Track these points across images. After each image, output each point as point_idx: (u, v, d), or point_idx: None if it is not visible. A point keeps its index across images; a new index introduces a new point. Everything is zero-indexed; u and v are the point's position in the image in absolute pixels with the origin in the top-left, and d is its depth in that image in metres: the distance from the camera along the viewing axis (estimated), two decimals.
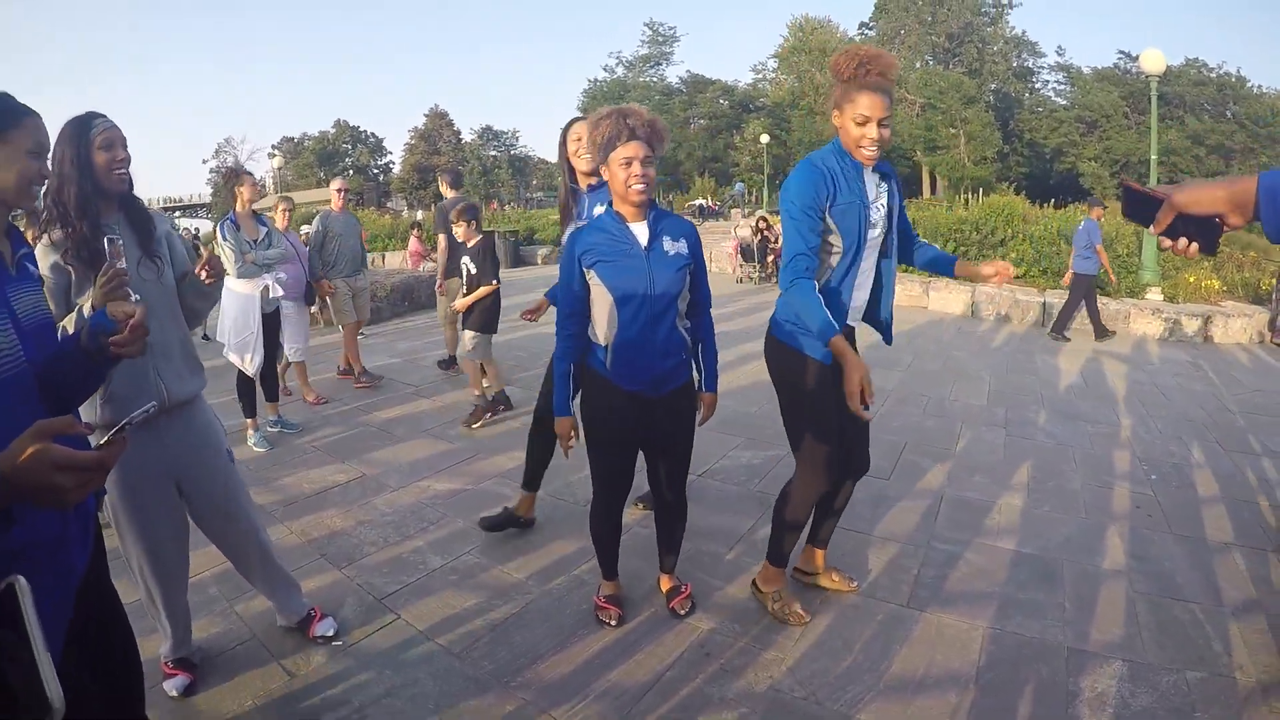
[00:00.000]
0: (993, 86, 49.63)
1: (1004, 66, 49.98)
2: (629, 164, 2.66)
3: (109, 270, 2.07)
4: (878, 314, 3.02)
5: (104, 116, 2.49)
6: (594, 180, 3.47)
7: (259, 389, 5.86)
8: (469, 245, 6.05)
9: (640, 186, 2.67)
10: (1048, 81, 51.67)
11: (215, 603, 3.36)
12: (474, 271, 5.94)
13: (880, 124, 2.64)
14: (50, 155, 2.36)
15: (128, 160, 2.53)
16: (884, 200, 2.85)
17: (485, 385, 6.15)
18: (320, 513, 4.32)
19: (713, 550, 3.68)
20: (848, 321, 2.88)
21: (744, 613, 3.15)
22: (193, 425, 2.72)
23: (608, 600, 3.18)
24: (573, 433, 2.90)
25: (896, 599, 3.21)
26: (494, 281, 5.95)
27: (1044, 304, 10.71)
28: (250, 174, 5.91)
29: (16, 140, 1.64)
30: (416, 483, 4.50)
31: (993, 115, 46.71)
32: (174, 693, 2.78)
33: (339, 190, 7.60)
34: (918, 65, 50.01)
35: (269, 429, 5.90)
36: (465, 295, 5.96)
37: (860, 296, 2.92)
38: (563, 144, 3.59)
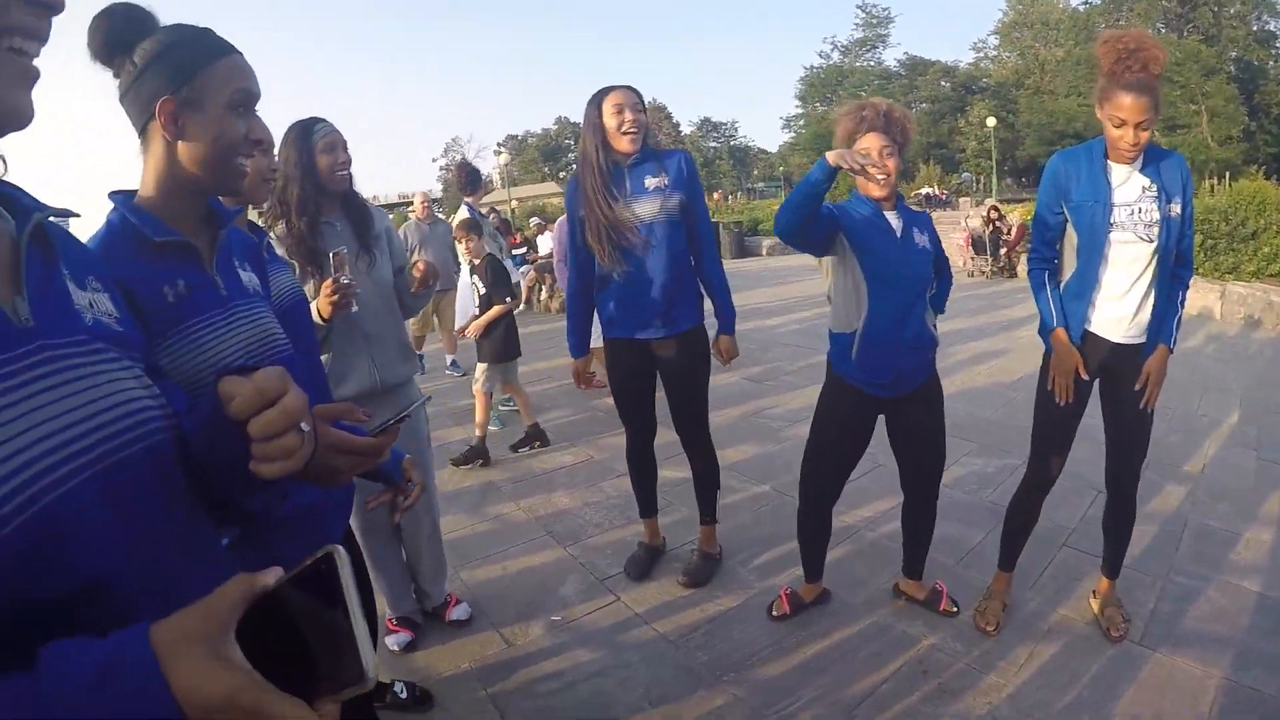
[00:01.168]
0: (1232, 55, 44.24)
1: (1243, 31, 44.37)
2: (868, 155, 2.59)
3: (334, 282, 2.27)
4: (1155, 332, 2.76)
5: (325, 121, 2.72)
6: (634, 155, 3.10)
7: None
8: (476, 263, 5.48)
9: (882, 178, 2.64)
10: None
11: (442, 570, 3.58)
12: (483, 291, 5.37)
13: (1139, 127, 2.47)
14: (279, 157, 2.60)
15: (349, 162, 2.75)
16: (1149, 205, 2.59)
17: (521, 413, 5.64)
18: (548, 492, 4.55)
19: (938, 560, 3.49)
20: (1095, 331, 2.75)
21: (967, 631, 2.99)
22: (401, 406, 2.90)
23: (790, 595, 3.17)
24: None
25: (1131, 634, 2.93)
26: (507, 300, 5.34)
27: None
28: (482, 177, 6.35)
29: (205, 91, 1.27)
30: None
31: (1236, 88, 41.73)
32: (394, 648, 3.03)
33: (424, 202, 7.48)
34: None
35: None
36: (477, 317, 5.38)
37: (1114, 307, 2.70)
38: (596, 116, 3.04)
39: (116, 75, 1.29)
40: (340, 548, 0.64)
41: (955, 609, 3.09)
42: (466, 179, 6.70)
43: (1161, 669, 2.77)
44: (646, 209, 3.04)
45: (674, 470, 4.26)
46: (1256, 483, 4.43)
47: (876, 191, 2.70)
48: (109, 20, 1.25)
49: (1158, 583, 3.32)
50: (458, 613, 3.23)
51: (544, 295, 12.73)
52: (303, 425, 0.85)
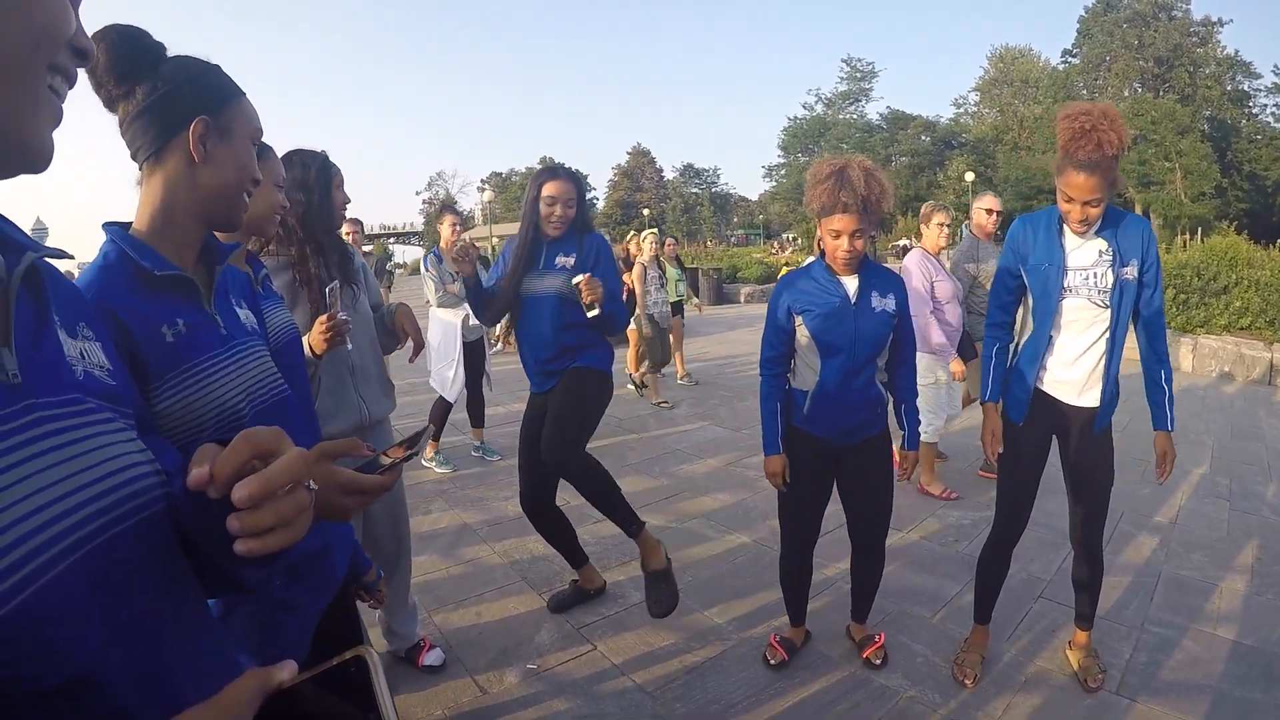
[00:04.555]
0: (1206, 114, 45.57)
1: (1217, 91, 45.92)
2: (838, 236, 2.68)
3: (331, 318, 2.25)
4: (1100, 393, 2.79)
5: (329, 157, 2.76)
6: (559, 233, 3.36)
7: (467, 414, 6.21)
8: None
9: (846, 259, 2.71)
10: (1265, 105, 47.00)
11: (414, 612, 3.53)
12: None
13: (1087, 205, 2.53)
14: (295, 183, 2.60)
15: (349, 203, 2.85)
16: (1104, 270, 2.64)
17: None
18: (523, 536, 4.47)
19: (916, 613, 3.51)
20: (1047, 391, 2.82)
21: (945, 683, 2.98)
22: (382, 442, 2.88)
23: (782, 642, 3.17)
24: (785, 470, 2.91)
25: (1107, 684, 2.95)
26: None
27: (1271, 360, 9.44)
28: (454, 213, 6.28)
29: (234, 122, 1.33)
30: None
31: (1209, 146, 42.83)
32: None
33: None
34: (1126, 93, 46.82)
35: (473, 454, 6.27)
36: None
37: (1066, 371, 2.76)
38: (534, 199, 3.28)
39: (120, 99, 1.26)
40: (371, 649, 0.63)
41: (878, 662, 3.10)
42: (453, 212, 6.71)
43: (1139, 718, 2.77)
44: (550, 283, 3.26)
45: (649, 518, 4.22)
46: (1229, 532, 4.49)
47: (839, 269, 2.78)
48: (127, 42, 1.23)
49: (1133, 633, 3.34)
50: (431, 658, 3.18)
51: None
52: (310, 484, 0.77)
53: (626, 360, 8.87)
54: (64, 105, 0.70)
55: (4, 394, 0.66)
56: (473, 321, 6.05)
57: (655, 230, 8.93)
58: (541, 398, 3.43)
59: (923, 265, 4.95)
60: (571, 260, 3.26)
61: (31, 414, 0.67)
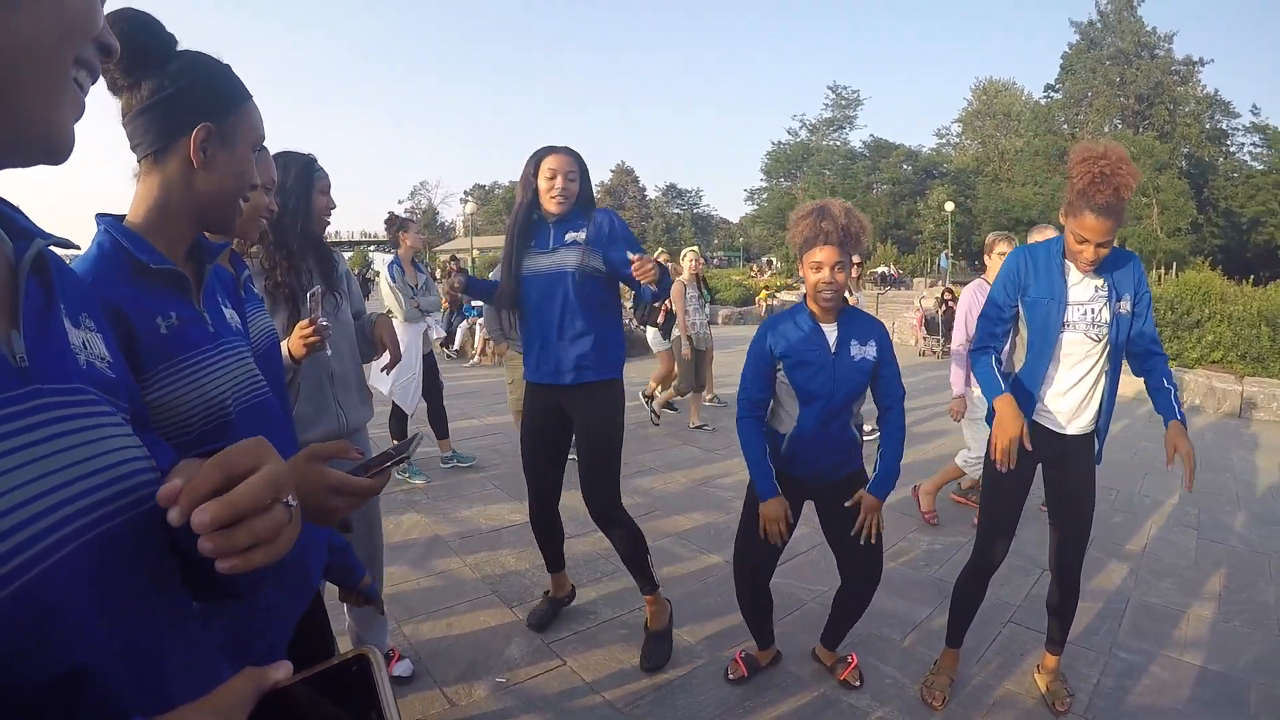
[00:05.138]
0: (1185, 151, 46.43)
1: (1196, 129, 46.77)
2: (819, 268, 2.70)
3: (311, 324, 2.21)
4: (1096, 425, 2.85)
5: (318, 162, 2.71)
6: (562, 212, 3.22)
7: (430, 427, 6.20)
8: None
9: (828, 294, 2.71)
10: (1243, 144, 47.94)
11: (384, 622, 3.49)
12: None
13: (1099, 245, 2.57)
14: (275, 185, 2.59)
15: (333, 208, 2.77)
16: (1100, 306, 2.71)
17: None
18: (495, 550, 4.47)
19: (886, 635, 3.52)
20: (1038, 420, 2.83)
21: (914, 705, 2.99)
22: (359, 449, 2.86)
23: (745, 659, 3.18)
24: (787, 514, 2.85)
25: (1075, 709, 2.97)
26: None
27: (1242, 393, 9.57)
28: (414, 221, 6.23)
29: (238, 129, 1.32)
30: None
31: (1186, 183, 43.64)
32: None
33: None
34: (1107, 129, 47.49)
35: (442, 465, 6.23)
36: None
37: (1059, 401, 2.80)
38: (532, 175, 3.17)
39: (125, 90, 1.25)
40: (375, 650, 0.62)
41: (857, 684, 3.10)
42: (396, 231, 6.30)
43: None
44: (563, 259, 3.16)
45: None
46: (1198, 560, 4.55)
47: (821, 306, 2.78)
48: (140, 31, 1.21)
49: (1101, 658, 3.36)
50: (400, 669, 3.15)
51: (494, 347, 12.59)
52: (289, 500, 0.74)
53: (651, 380, 8.25)
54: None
55: (12, 377, 0.66)
56: (435, 335, 6.06)
57: (695, 248, 8.43)
58: (548, 391, 3.28)
59: (982, 297, 4.72)
60: (582, 235, 3.15)
61: (38, 399, 0.67)
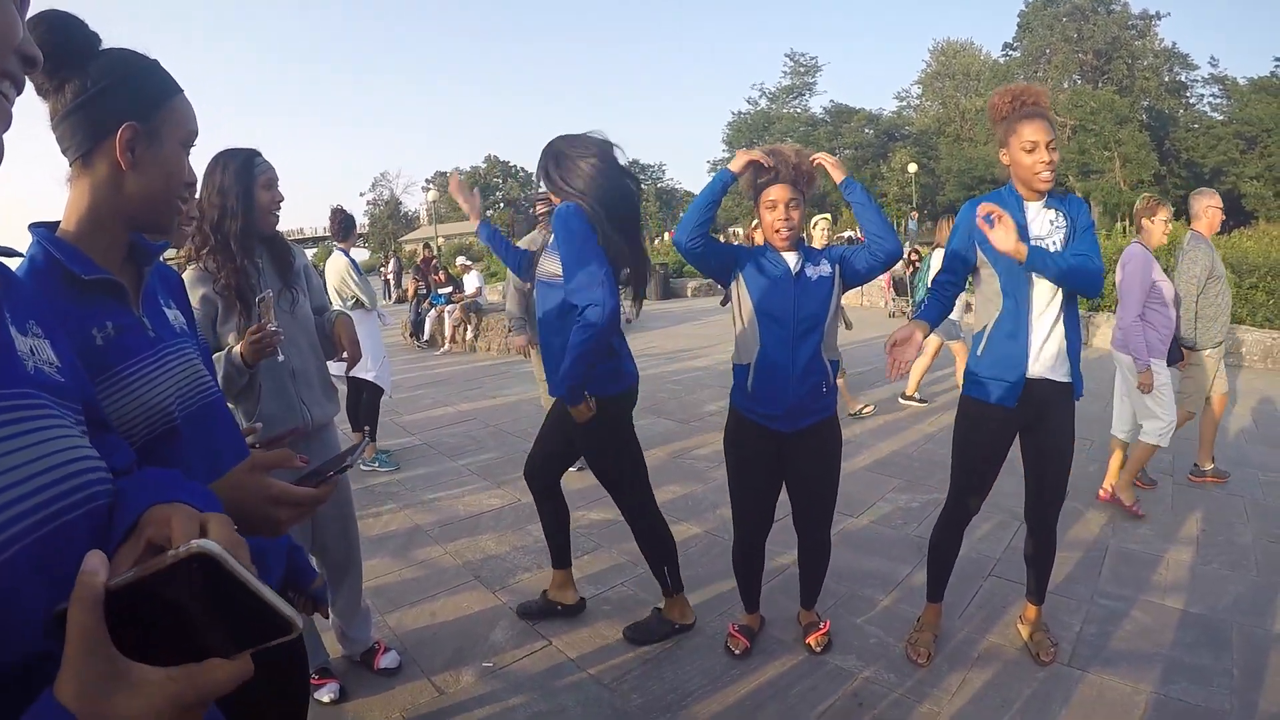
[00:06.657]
0: (1145, 104, 46.47)
1: (1155, 82, 46.85)
2: (774, 206, 2.77)
3: (260, 329, 2.18)
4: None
5: (261, 154, 2.62)
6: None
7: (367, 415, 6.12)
8: None
9: (785, 231, 2.77)
10: (1202, 95, 48.03)
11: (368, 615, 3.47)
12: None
13: (1049, 146, 2.67)
14: (214, 186, 2.49)
15: (282, 201, 2.67)
16: (1058, 238, 2.74)
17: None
18: (475, 536, 4.45)
19: (868, 595, 3.55)
20: (1033, 373, 2.81)
21: (900, 662, 3.02)
22: (327, 446, 2.85)
23: (741, 630, 3.18)
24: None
25: (1059, 657, 3.01)
26: None
27: None
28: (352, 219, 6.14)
29: (165, 126, 1.27)
30: (572, 512, 4.54)
31: (1147, 135, 43.92)
32: (326, 699, 2.90)
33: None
34: (1066, 85, 47.53)
35: (363, 468, 5.93)
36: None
37: (1047, 346, 2.80)
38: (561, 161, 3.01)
39: (50, 93, 1.22)
40: (207, 542, 0.60)
41: (819, 649, 3.11)
42: (340, 226, 6.04)
43: (1091, 688, 2.84)
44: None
45: (599, 512, 4.22)
46: (1174, 505, 4.60)
47: (779, 243, 2.82)
48: (59, 32, 1.18)
49: (1083, 606, 3.41)
50: (386, 661, 3.13)
51: (469, 335, 12.58)
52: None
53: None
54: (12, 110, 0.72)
55: None
56: (387, 323, 6.05)
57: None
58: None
59: (1148, 263, 4.64)
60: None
61: None
